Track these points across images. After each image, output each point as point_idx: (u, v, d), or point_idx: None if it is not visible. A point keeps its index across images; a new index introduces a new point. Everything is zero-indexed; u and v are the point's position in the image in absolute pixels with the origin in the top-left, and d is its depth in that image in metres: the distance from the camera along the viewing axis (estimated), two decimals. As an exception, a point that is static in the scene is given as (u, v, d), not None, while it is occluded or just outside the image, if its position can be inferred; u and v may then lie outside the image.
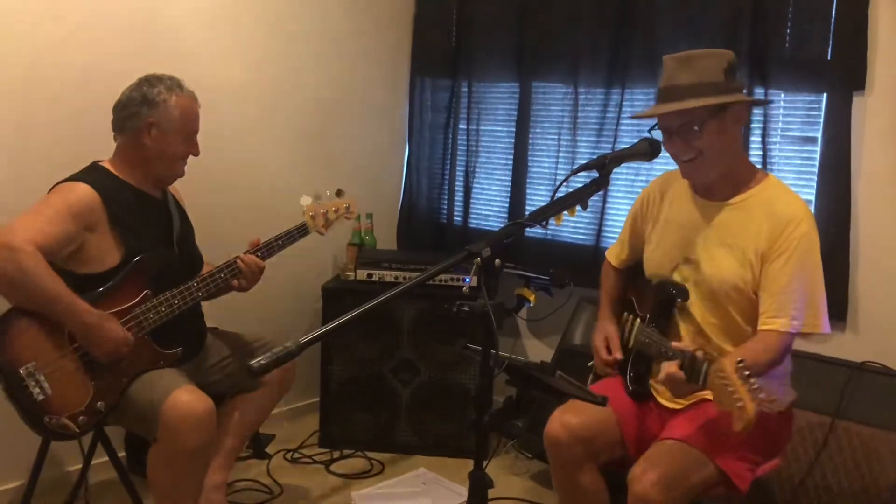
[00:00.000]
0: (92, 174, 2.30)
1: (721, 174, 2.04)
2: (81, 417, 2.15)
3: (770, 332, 1.94)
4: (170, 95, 2.30)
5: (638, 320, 2.20)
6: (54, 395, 2.11)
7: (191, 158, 2.43)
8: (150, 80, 2.32)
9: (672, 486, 1.85)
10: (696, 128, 1.95)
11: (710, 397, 2.06)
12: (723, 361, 1.72)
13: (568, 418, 2.08)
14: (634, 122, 3.22)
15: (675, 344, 1.94)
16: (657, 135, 2.02)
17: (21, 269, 2.05)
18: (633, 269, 2.36)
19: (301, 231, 2.57)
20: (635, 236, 2.32)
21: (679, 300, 2.08)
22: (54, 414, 2.11)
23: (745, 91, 2.33)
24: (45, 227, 2.11)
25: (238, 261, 2.44)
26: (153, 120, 2.29)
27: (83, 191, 2.22)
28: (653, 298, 2.17)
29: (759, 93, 2.85)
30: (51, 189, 2.26)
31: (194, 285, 2.35)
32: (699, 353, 1.83)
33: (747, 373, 1.68)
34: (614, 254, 2.40)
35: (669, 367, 1.87)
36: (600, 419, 2.07)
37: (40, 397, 2.09)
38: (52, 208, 2.17)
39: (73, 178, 2.27)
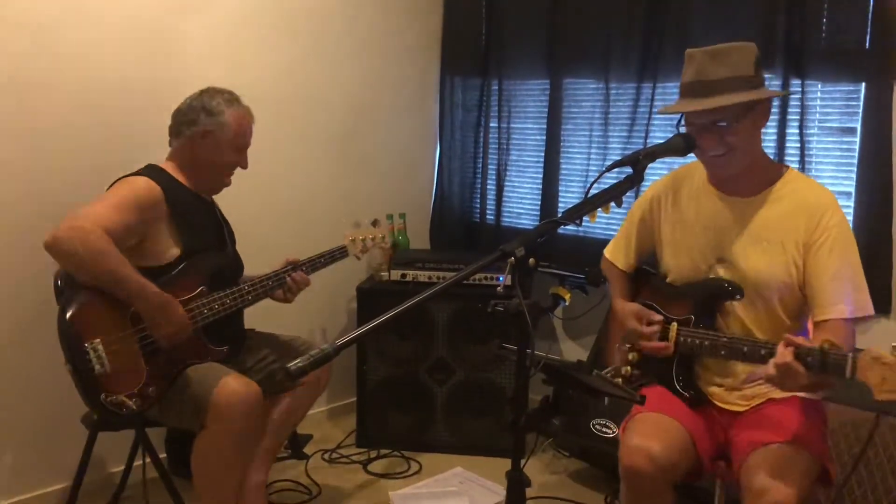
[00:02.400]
0: (152, 172, 2.38)
1: (746, 168, 2.01)
2: (134, 399, 2.20)
3: (834, 321, 1.91)
4: (228, 107, 2.41)
5: (675, 324, 2.11)
6: (112, 373, 2.17)
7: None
8: (210, 92, 2.43)
9: (803, 493, 1.81)
10: (732, 124, 1.92)
11: (774, 395, 2.03)
12: (874, 349, 1.61)
13: (650, 446, 1.92)
14: (667, 116, 3.18)
15: (789, 337, 1.76)
16: (684, 129, 1.99)
17: (91, 249, 2.13)
18: (638, 273, 2.31)
19: (342, 253, 2.75)
20: (643, 240, 2.26)
21: (738, 297, 2.02)
22: (110, 391, 2.17)
23: (766, 83, 2.22)
24: (111, 215, 2.20)
25: (289, 278, 2.56)
26: (209, 128, 2.39)
27: (147, 184, 2.31)
28: (693, 300, 2.09)
29: (795, 84, 2.81)
30: (113, 183, 2.34)
31: (245, 288, 2.45)
32: (826, 346, 1.70)
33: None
34: (620, 258, 2.31)
35: (786, 356, 1.71)
36: (679, 441, 1.97)
37: (100, 372, 2.15)
38: (118, 198, 2.26)
39: (135, 173, 2.36)
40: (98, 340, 2.16)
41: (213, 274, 2.41)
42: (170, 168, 2.44)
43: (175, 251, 2.34)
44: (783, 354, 1.73)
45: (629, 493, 1.99)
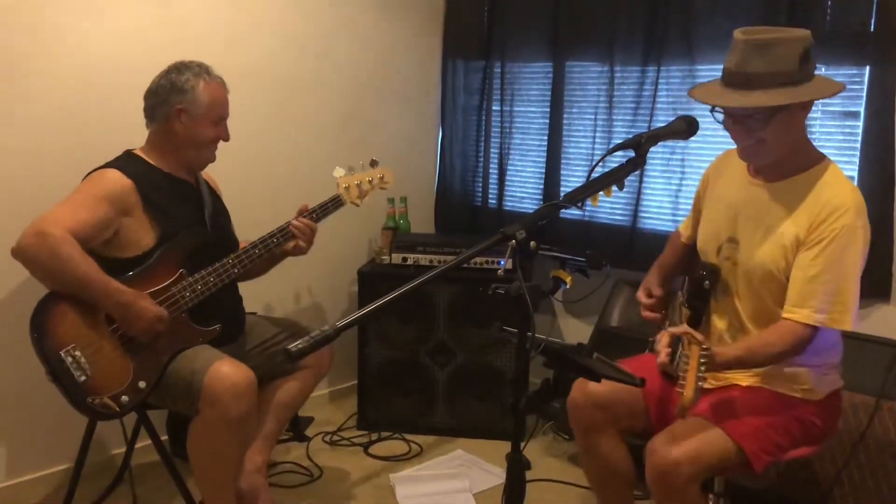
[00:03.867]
0: (123, 161, 2.36)
1: (780, 158, 1.97)
2: (123, 397, 2.19)
3: (788, 322, 1.89)
4: (197, 81, 2.35)
5: (682, 302, 2.16)
6: (95, 376, 2.16)
7: (226, 145, 2.46)
8: (178, 68, 2.37)
9: (690, 461, 1.84)
10: (764, 120, 1.87)
11: (740, 381, 2.05)
12: (693, 348, 1.72)
13: (587, 383, 2.09)
14: (670, 100, 3.16)
15: (671, 329, 1.90)
16: (717, 116, 1.94)
17: (53, 253, 2.11)
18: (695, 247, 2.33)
19: (335, 203, 2.60)
20: (698, 216, 2.27)
21: (706, 283, 2.03)
22: (97, 394, 2.16)
23: (820, 70, 2.14)
24: (77, 214, 2.18)
25: (291, 226, 2.50)
26: (182, 107, 2.34)
27: (114, 176, 2.28)
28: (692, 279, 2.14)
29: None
30: (84, 178, 2.32)
31: (229, 262, 2.39)
32: (686, 337, 1.78)
33: (704, 361, 1.70)
34: (685, 230, 2.34)
35: (661, 354, 1.87)
36: (626, 393, 2.04)
37: (82, 378, 2.14)
38: (85, 195, 2.24)
39: (105, 165, 2.33)
40: (75, 347, 2.15)
41: (192, 254, 2.35)
42: (147, 152, 2.40)
43: (151, 239, 2.30)
44: (659, 351, 1.89)
45: (573, 428, 2.20)
